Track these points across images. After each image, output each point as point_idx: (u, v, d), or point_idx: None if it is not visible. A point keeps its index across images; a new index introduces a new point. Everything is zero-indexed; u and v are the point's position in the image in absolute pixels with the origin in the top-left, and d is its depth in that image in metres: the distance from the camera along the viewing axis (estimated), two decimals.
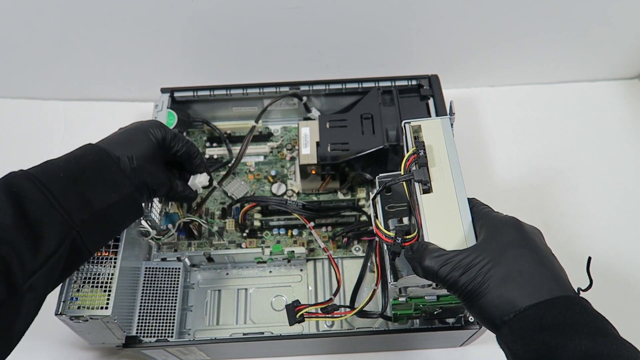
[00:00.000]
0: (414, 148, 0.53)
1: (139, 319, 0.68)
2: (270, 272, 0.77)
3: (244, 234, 0.79)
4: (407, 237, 0.53)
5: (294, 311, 0.61)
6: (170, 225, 0.73)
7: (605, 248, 0.82)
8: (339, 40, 0.90)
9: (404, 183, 0.54)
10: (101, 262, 0.60)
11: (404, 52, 0.93)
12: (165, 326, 0.69)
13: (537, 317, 0.40)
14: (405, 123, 0.56)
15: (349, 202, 0.80)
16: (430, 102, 0.79)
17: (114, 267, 0.61)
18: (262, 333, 0.72)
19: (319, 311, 0.63)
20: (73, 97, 1.00)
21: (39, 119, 0.98)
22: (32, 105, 1.00)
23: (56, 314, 0.57)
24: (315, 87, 0.83)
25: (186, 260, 0.74)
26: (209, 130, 0.88)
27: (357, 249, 0.78)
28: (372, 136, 0.75)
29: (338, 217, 0.79)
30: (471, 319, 0.65)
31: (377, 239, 0.64)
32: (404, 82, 0.82)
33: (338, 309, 0.64)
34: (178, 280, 0.72)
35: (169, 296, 0.71)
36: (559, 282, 0.42)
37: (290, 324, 0.61)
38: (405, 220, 0.60)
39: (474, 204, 0.50)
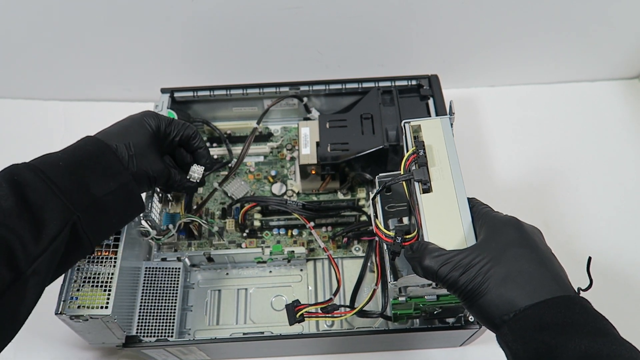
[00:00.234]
0: (414, 148, 0.53)
1: (139, 319, 0.68)
2: (270, 272, 0.77)
3: (244, 234, 0.79)
4: (407, 236, 0.53)
5: (294, 311, 0.61)
6: (170, 226, 0.73)
7: (605, 248, 0.82)
8: (339, 40, 0.90)
9: (404, 183, 0.54)
10: (101, 262, 0.61)
11: (404, 52, 0.93)
12: (165, 326, 0.69)
13: (537, 316, 0.40)
14: (405, 123, 0.56)
15: (349, 202, 0.80)
16: (430, 102, 0.79)
17: (114, 266, 0.61)
18: (262, 333, 0.72)
19: (319, 311, 0.63)
20: (73, 97, 1.00)
21: (39, 119, 0.98)
22: (32, 106, 1.00)
23: (56, 314, 0.57)
24: (315, 87, 0.83)
25: (186, 260, 0.74)
26: (209, 130, 0.88)
27: (357, 248, 0.78)
28: (372, 136, 0.75)
29: (338, 217, 0.79)
30: (471, 318, 0.65)
31: (377, 238, 0.64)
32: (404, 82, 0.82)
33: (338, 309, 0.64)
34: (178, 280, 0.72)
35: (169, 296, 0.71)
36: (559, 282, 0.42)
37: (290, 324, 0.61)
38: (405, 220, 0.60)
39: (473, 203, 0.50)
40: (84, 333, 0.62)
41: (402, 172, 0.53)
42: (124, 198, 0.56)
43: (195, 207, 0.80)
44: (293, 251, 0.74)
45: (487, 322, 0.43)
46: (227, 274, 0.77)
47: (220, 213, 0.81)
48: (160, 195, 0.74)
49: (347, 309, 0.65)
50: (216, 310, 0.75)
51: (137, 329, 0.68)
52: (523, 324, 0.40)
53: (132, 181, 0.57)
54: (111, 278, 0.60)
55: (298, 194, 0.82)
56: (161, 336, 0.68)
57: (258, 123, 0.85)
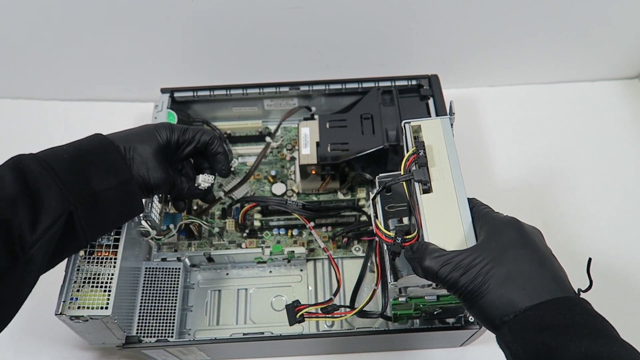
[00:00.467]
0: (414, 148, 0.53)
1: (139, 319, 0.68)
2: (270, 272, 0.77)
3: (244, 234, 0.79)
4: (407, 237, 0.53)
5: (294, 311, 0.61)
6: (171, 226, 0.73)
7: (605, 248, 0.82)
8: (339, 40, 0.90)
9: (404, 183, 0.54)
10: (101, 262, 0.60)
11: (404, 52, 0.93)
12: (166, 326, 0.69)
13: (537, 317, 0.40)
14: (405, 123, 0.56)
15: (349, 202, 0.80)
16: (430, 102, 0.79)
17: (114, 267, 0.60)
18: (262, 333, 0.72)
19: (319, 311, 0.63)
20: (73, 97, 1.00)
21: (39, 119, 0.98)
22: (32, 106, 1.00)
23: (56, 314, 0.57)
24: (315, 87, 0.83)
25: (186, 260, 0.74)
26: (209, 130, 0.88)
27: (357, 249, 0.78)
28: (372, 136, 0.75)
29: (338, 217, 0.79)
30: (471, 319, 0.65)
31: (377, 239, 0.64)
32: (404, 82, 0.82)
33: (338, 309, 0.64)
34: (178, 281, 0.72)
35: (169, 296, 0.71)
36: (559, 283, 0.42)
37: (290, 324, 0.61)
38: (405, 220, 0.60)
39: (474, 204, 0.50)
40: (84, 333, 0.62)
41: (402, 173, 0.53)
42: (123, 196, 0.57)
43: (195, 208, 0.80)
44: (293, 251, 0.74)
45: (487, 322, 0.43)
46: (227, 274, 0.77)
47: (220, 213, 0.81)
48: (160, 195, 0.74)
49: (347, 309, 0.65)
50: (216, 311, 0.75)
51: (137, 329, 0.68)
52: (523, 325, 0.40)
53: (132, 180, 0.57)
54: (111, 278, 0.60)
55: (298, 194, 0.82)
56: (161, 336, 0.68)
57: (272, 137, 0.85)
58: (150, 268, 0.72)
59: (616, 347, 0.38)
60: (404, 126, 0.56)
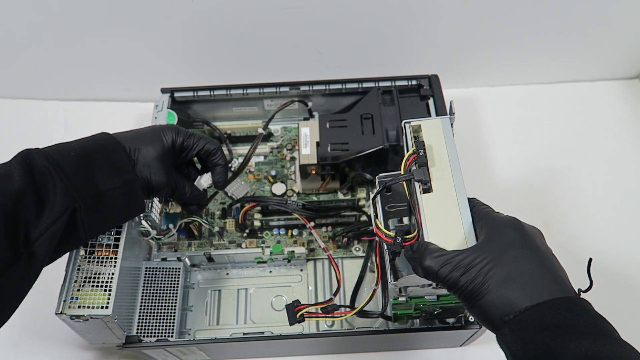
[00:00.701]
0: (414, 148, 0.53)
1: (139, 319, 0.68)
2: (271, 272, 0.77)
3: (244, 234, 0.79)
4: (407, 236, 0.53)
5: (294, 311, 0.61)
6: (171, 225, 0.73)
7: (605, 248, 0.82)
8: (339, 40, 0.90)
9: (404, 183, 0.54)
10: (102, 262, 0.60)
11: (404, 52, 0.93)
12: (166, 326, 0.69)
13: (537, 317, 0.40)
14: (405, 123, 0.56)
15: (349, 202, 0.80)
16: (430, 102, 0.79)
17: (115, 266, 0.60)
18: (262, 333, 0.72)
19: (319, 311, 0.63)
20: (73, 97, 1.00)
21: (39, 119, 0.98)
22: (32, 105, 1.00)
23: (56, 314, 0.57)
24: (315, 87, 0.83)
25: (186, 260, 0.74)
26: (209, 130, 0.88)
27: (357, 249, 0.78)
28: (372, 136, 0.75)
29: (338, 217, 0.79)
30: (471, 318, 0.65)
31: (377, 238, 0.64)
32: (404, 82, 0.82)
33: (338, 309, 0.64)
34: (178, 280, 0.72)
35: (169, 296, 0.71)
36: (559, 283, 0.42)
37: (291, 324, 0.61)
38: (406, 220, 0.60)
39: (474, 204, 0.50)
40: (84, 333, 0.62)
41: (402, 172, 0.53)
42: (126, 196, 0.57)
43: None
44: (293, 251, 0.74)
45: (488, 322, 0.43)
46: (227, 274, 0.77)
47: (221, 213, 0.81)
48: (158, 197, 0.74)
49: (347, 309, 0.65)
50: (216, 310, 0.75)
51: (137, 329, 0.68)
52: (523, 325, 0.40)
53: (137, 181, 0.57)
54: (112, 278, 0.60)
55: (298, 194, 0.82)
56: (161, 336, 0.68)
57: (264, 129, 0.84)
58: (150, 268, 0.72)
59: (616, 347, 0.38)
60: (404, 126, 0.56)
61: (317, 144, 0.77)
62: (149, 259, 0.74)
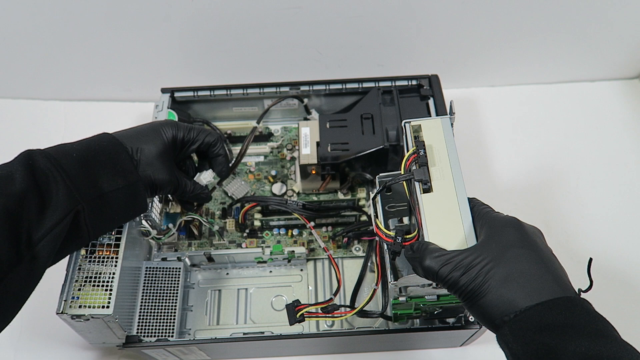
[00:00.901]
0: (414, 148, 0.53)
1: (139, 319, 0.68)
2: (271, 272, 0.77)
3: (244, 234, 0.79)
4: (408, 236, 0.53)
5: (294, 311, 0.61)
6: (170, 225, 0.73)
7: (606, 248, 0.82)
8: (339, 40, 0.90)
9: (404, 183, 0.54)
10: (102, 262, 0.61)
11: (404, 52, 0.93)
12: (166, 326, 0.69)
13: (537, 317, 0.40)
14: (405, 123, 0.56)
15: (349, 202, 0.80)
16: (430, 102, 0.79)
17: (115, 266, 0.61)
18: (262, 333, 0.72)
19: (319, 311, 0.63)
20: (73, 97, 1.00)
21: (39, 119, 0.98)
22: (32, 105, 1.00)
23: (57, 313, 0.57)
24: (315, 87, 0.83)
25: (186, 260, 0.74)
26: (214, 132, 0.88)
27: (357, 248, 0.78)
28: (372, 136, 0.75)
29: (338, 217, 0.79)
30: (471, 318, 0.65)
31: (377, 238, 0.64)
32: (404, 82, 0.82)
33: (338, 309, 0.64)
34: (178, 280, 0.72)
35: (170, 296, 0.71)
36: (559, 283, 0.42)
37: (291, 324, 0.61)
38: (406, 219, 0.60)
39: (474, 203, 0.50)
40: (84, 333, 0.62)
41: (402, 172, 0.53)
42: (130, 197, 0.57)
43: (195, 207, 0.80)
44: (293, 251, 0.74)
45: (488, 322, 0.43)
46: (228, 274, 0.77)
47: (221, 213, 0.81)
48: (161, 195, 0.74)
49: (348, 309, 0.65)
50: (216, 310, 0.75)
51: (138, 329, 0.68)
52: (523, 325, 0.40)
53: (139, 182, 0.57)
54: (112, 278, 0.60)
55: (298, 194, 0.82)
56: (161, 336, 0.68)
57: (258, 122, 0.85)
58: (150, 268, 0.72)
59: (616, 347, 0.38)
60: (404, 126, 0.56)
61: (317, 144, 0.77)
62: (149, 259, 0.74)
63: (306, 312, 0.62)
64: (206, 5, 0.83)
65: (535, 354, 0.39)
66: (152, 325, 0.68)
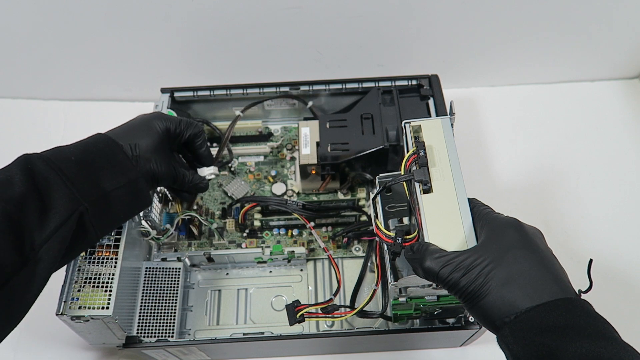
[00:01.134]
0: (414, 148, 0.53)
1: (139, 319, 0.68)
2: (271, 272, 0.77)
3: (244, 234, 0.79)
4: (408, 237, 0.53)
5: (294, 311, 0.61)
6: (168, 225, 0.73)
7: (606, 248, 0.82)
8: (339, 40, 0.90)
9: (404, 183, 0.54)
10: (102, 262, 0.61)
11: (404, 52, 0.93)
12: (166, 326, 0.69)
13: (538, 319, 0.40)
14: (405, 123, 0.56)
15: (349, 202, 0.80)
16: (430, 102, 0.79)
17: (115, 267, 0.61)
18: (262, 333, 0.72)
19: (319, 311, 0.63)
20: (73, 97, 1.00)
21: (39, 119, 0.98)
22: (32, 105, 1.00)
23: (57, 314, 0.57)
24: (315, 87, 0.83)
25: (186, 260, 0.74)
26: (209, 130, 0.87)
27: (357, 249, 0.78)
28: (372, 136, 0.75)
29: (338, 217, 0.79)
30: (471, 319, 0.65)
31: (377, 239, 0.64)
32: (404, 82, 0.81)
33: (338, 309, 0.64)
34: (178, 280, 0.72)
35: (169, 296, 0.71)
36: (560, 284, 0.42)
37: (291, 324, 0.61)
38: (406, 220, 0.60)
39: (474, 204, 0.50)
40: (84, 333, 0.62)
41: (402, 173, 0.53)
42: (132, 193, 0.58)
43: (195, 207, 0.80)
44: (293, 251, 0.74)
45: (488, 323, 0.43)
46: (227, 274, 0.77)
47: (220, 213, 0.81)
48: (160, 195, 0.74)
49: (348, 309, 0.65)
50: (216, 311, 0.75)
51: (138, 329, 0.68)
52: (524, 326, 0.40)
53: (140, 178, 0.58)
54: (112, 278, 0.60)
55: (298, 194, 0.82)
56: (161, 336, 0.68)
57: (242, 112, 0.85)
58: (150, 268, 0.72)
59: (617, 348, 0.38)
60: (404, 126, 0.56)
61: (317, 144, 0.77)
62: (149, 259, 0.74)
63: (306, 312, 0.62)
64: (206, 5, 0.83)
65: (535, 355, 0.39)
66: (152, 326, 0.68)
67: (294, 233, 0.79)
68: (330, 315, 0.63)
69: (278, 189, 0.82)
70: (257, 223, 0.79)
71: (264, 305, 0.75)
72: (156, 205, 0.71)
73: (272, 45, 0.90)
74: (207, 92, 0.83)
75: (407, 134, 0.55)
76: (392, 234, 0.53)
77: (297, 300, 0.62)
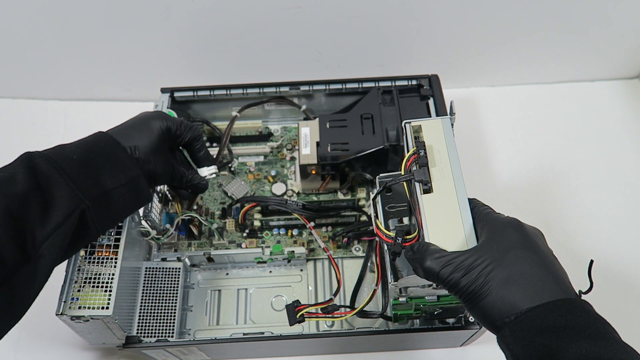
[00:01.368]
0: (415, 148, 0.53)
1: (139, 319, 0.68)
2: (271, 272, 0.77)
3: (244, 234, 0.79)
4: (408, 237, 0.53)
5: (294, 311, 0.61)
6: (168, 225, 0.73)
7: (606, 248, 0.82)
8: (339, 40, 0.90)
9: (405, 183, 0.54)
10: (102, 262, 0.61)
11: (404, 52, 0.93)
12: (166, 326, 0.69)
13: (538, 319, 0.40)
14: (405, 123, 0.56)
15: (349, 202, 0.80)
16: (431, 102, 0.79)
17: (115, 267, 0.61)
18: (262, 333, 0.72)
19: (319, 311, 0.63)
20: (73, 97, 1.00)
21: (39, 119, 0.98)
22: (32, 105, 1.00)
23: (57, 314, 0.57)
24: (315, 87, 0.83)
25: (186, 260, 0.74)
26: (209, 130, 0.88)
27: (357, 249, 0.78)
28: (372, 136, 0.75)
29: (338, 217, 0.79)
30: (471, 319, 0.65)
31: (377, 239, 0.64)
32: (404, 82, 0.81)
33: (338, 309, 0.64)
34: (178, 280, 0.72)
35: (169, 296, 0.71)
36: (560, 285, 0.42)
37: (291, 324, 0.61)
38: (406, 220, 0.60)
39: (474, 204, 0.50)
40: (84, 333, 0.62)
41: (402, 173, 0.53)
42: (133, 191, 0.58)
43: (195, 207, 0.80)
44: (293, 251, 0.73)
45: (488, 323, 0.43)
46: (227, 274, 0.77)
47: (220, 213, 0.81)
48: (160, 195, 0.74)
49: (348, 309, 0.65)
50: (216, 311, 0.75)
51: (138, 329, 0.68)
52: (524, 327, 0.40)
53: (140, 176, 0.58)
54: (112, 278, 0.60)
55: (298, 194, 0.82)
56: (161, 336, 0.68)
57: (239, 112, 0.85)
58: (150, 268, 0.72)
59: (617, 349, 0.38)
60: (405, 126, 0.56)
61: (317, 144, 0.77)
62: (149, 259, 0.74)
63: (306, 312, 0.62)
64: (206, 5, 0.83)
65: (535, 356, 0.39)
66: (152, 326, 0.68)
67: (294, 233, 0.79)
68: (330, 315, 0.63)
69: (278, 189, 0.82)
70: (257, 223, 0.79)
71: (264, 305, 0.75)
72: (156, 205, 0.71)
73: (272, 45, 0.90)
74: (207, 92, 0.83)
75: (407, 134, 0.55)
76: (392, 234, 0.53)
77: (297, 300, 0.62)
